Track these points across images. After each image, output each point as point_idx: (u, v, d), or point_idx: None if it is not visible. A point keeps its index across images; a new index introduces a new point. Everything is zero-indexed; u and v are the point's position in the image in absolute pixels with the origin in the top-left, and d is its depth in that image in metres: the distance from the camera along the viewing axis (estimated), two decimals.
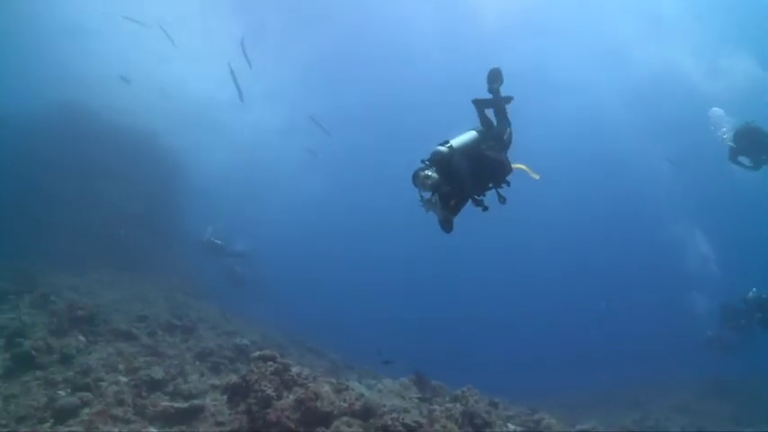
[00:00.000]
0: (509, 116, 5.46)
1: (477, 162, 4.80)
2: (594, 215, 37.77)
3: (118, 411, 5.70)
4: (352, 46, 25.38)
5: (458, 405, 6.04)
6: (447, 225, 4.77)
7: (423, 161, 4.77)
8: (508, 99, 5.48)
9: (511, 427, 6.00)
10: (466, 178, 4.62)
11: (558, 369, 22.52)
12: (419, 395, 6.61)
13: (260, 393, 5.73)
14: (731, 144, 9.56)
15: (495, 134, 5.25)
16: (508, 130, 5.31)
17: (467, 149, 4.88)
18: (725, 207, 29.56)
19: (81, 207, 17.03)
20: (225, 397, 6.32)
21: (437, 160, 4.70)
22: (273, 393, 5.77)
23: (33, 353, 6.64)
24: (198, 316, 13.20)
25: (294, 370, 6.46)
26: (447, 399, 6.47)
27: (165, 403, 6.10)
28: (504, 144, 5.24)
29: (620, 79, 26.95)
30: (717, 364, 14.78)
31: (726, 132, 10.08)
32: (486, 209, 4.88)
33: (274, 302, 19.26)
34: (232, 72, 21.29)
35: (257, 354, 6.77)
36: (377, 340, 15.48)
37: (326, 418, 5.48)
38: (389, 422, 5.34)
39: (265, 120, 30.43)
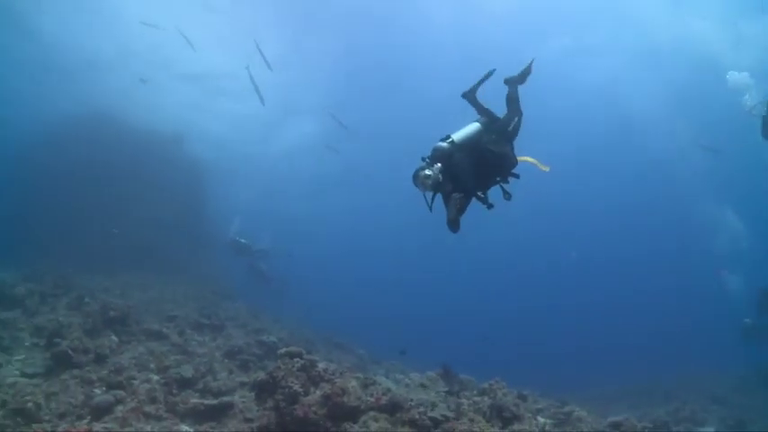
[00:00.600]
0: (521, 105, 5.17)
1: (478, 157, 4.60)
2: (621, 202, 36.88)
3: (150, 408, 5.86)
4: (377, 55, 25.26)
5: (485, 398, 5.98)
6: (455, 225, 4.52)
7: (423, 159, 4.62)
8: (490, 73, 5.14)
9: (540, 419, 5.93)
10: (467, 174, 4.44)
11: (588, 361, 22.14)
12: (446, 389, 6.58)
13: (287, 389, 5.78)
14: (764, 115, 8.22)
15: (500, 125, 4.97)
16: (516, 119, 5.02)
17: (468, 144, 4.67)
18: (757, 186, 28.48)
19: (113, 212, 17.53)
20: (253, 394, 6.41)
21: (437, 157, 4.55)
22: (300, 389, 5.82)
23: (70, 352, 6.87)
24: (226, 315, 13.42)
25: (321, 366, 6.50)
26: (474, 392, 6.42)
27: (195, 400, 6.23)
28: (509, 135, 4.96)
29: (640, 51, 25.94)
30: (756, 354, 14.23)
31: (749, 100, 8.72)
32: (490, 206, 4.66)
33: (302, 300, 19.46)
34: (251, 77, 21.46)
35: (284, 350, 6.83)
36: (404, 335, 15.51)
37: (353, 413, 5.49)
38: (416, 416, 5.33)
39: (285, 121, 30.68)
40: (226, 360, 9.09)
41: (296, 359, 6.52)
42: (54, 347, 6.99)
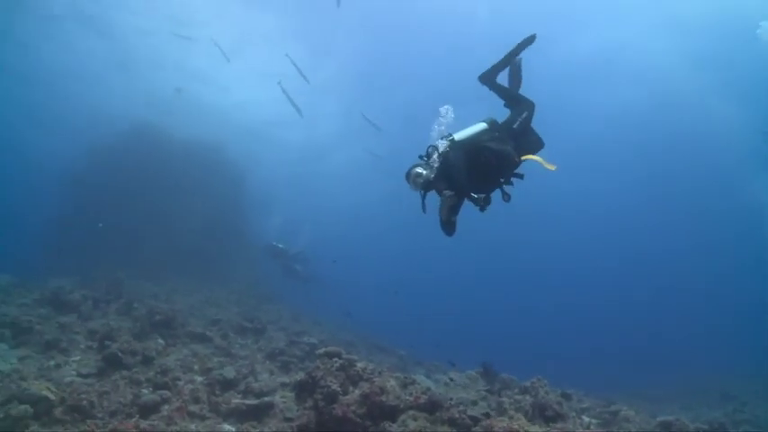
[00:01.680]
0: (528, 97, 4.90)
1: (475, 156, 4.37)
2: (667, 194, 35.42)
3: (194, 408, 6.02)
4: (407, 47, 25.27)
5: (527, 397, 5.83)
6: (448, 227, 4.31)
7: (420, 156, 4.48)
8: (527, 42, 4.85)
9: (585, 419, 5.72)
10: (461, 174, 4.22)
11: (637, 359, 21.28)
12: (487, 387, 6.46)
13: (326, 389, 5.81)
14: None
15: (504, 123, 4.76)
16: (524, 115, 4.75)
17: (468, 143, 4.48)
18: None
19: (160, 220, 18.24)
20: (293, 394, 6.49)
21: (432, 155, 4.38)
22: (339, 389, 5.83)
23: (120, 354, 7.17)
24: (268, 318, 13.69)
25: (359, 365, 6.50)
26: (516, 391, 6.27)
27: (236, 401, 6.35)
28: (515, 133, 4.69)
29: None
30: None
31: None
32: (483, 209, 4.41)
33: (342, 302, 19.60)
34: (284, 91, 21.88)
35: (322, 350, 6.88)
36: (445, 335, 15.38)
37: (392, 412, 5.46)
38: (456, 415, 5.25)
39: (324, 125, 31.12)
40: (267, 361, 9.25)
41: (335, 359, 6.55)
42: (105, 350, 7.33)
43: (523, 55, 5.00)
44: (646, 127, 29.77)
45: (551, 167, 4.52)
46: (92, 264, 14.06)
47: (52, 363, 7.17)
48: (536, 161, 4.57)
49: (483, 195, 4.43)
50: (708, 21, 22.32)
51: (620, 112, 28.86)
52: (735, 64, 24.25)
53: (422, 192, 4.38)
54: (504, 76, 5.06)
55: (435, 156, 4.36)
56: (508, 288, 39.27)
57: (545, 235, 40.39)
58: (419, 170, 4.34)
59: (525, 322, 31.66)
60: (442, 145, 4.41)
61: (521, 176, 4.64)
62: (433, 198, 4.40)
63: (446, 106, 4.71)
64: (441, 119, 4.67)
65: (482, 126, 4.68)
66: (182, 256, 17.80)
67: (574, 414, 5.72)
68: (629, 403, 7.75)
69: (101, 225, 15.76)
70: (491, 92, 5.03)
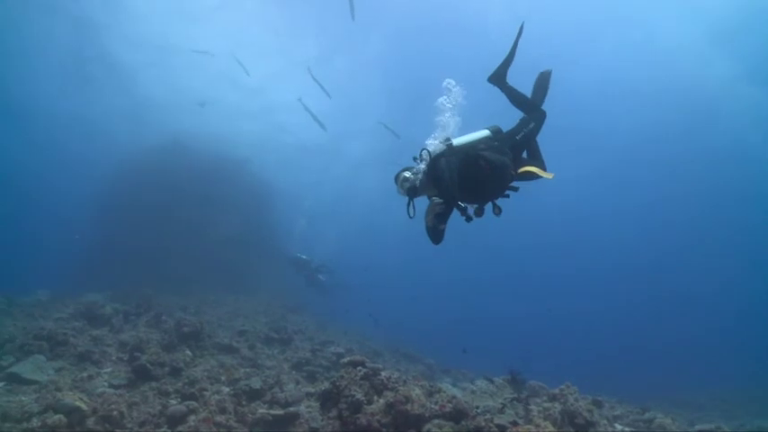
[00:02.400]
0: (539, 104, 4.60)
1: (469, 165, 4.07)
2: (693, 194, 34.37)
3: (221, 419, 6.06)
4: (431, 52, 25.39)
5: (556, 404, 5.67)
6: (434, 234, 4.14)
7: (415, 158, 4.26)
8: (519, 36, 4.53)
9: (618, 427, 5.51)
10: (450, 182, 3.93)
11: (674, 365, 20.50)
12: (514, 395, 6.30)
13: (350, 398, 5.78)
14: None
15: (508, 133, 4.48)
16: (531, 126, 4.48)
17: (464, 149, 4.21)
18: None
19: (190, 235, 18.65)
20: (318, 404, 6.48)
21: (423, 159, 4.14)
22: (363, 398, 5.80)
23: (148, 366, 7.30)
24: (294, 328, 13.74)
25: (384, 374, 6.45)
26: (545, 398, 6.10)
27: (262, 411, 6.37)
28: (517, 144, 4.41)
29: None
30: None
31: None
32: (470, 219, 4.09)
33: (370, 310, 19.59)
34: (306, 108, 22.22)
35: (346, 360, 6.87)
36: (472, 341, 15.15)
37: (417, 421, 5.39)
38: (482, 423, 5.15)
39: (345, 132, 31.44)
40: (293, 372, 9.27)
41: (359, 368, 6.52)
42: (135, 361, 7.48)
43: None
44: (657, 128, 29.16)
45: (549, 176, 4.30)
46: (124, 278, 14.44)
47: (85, 374, 7.35)
48: (532, 172, 4.31)
49: (475, 206, 4.17)
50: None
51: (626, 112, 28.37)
52: None
53: (408, 197, 4.15)
54: (529, 89, 4.82)
55: (425, 160, 4.14)
56: (533, 292, 38.66)
57: (567, 238, 39.79)
58: (407, 174, 4.16)
59: (553, 327, 30.97)
60: (436, 147, 4.19)
61: (515, 189, 4.36)
62: (422, 202, 4.25)
63: (449, 80, 4.41)
64: (448, 94, 4.38)
65: (484, 133, 4.42)
66: (210, 269, 18.14)
67: (605, 422, 5.52)
68: (664, 410, 7.43)
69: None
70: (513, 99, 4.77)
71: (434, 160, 4.09)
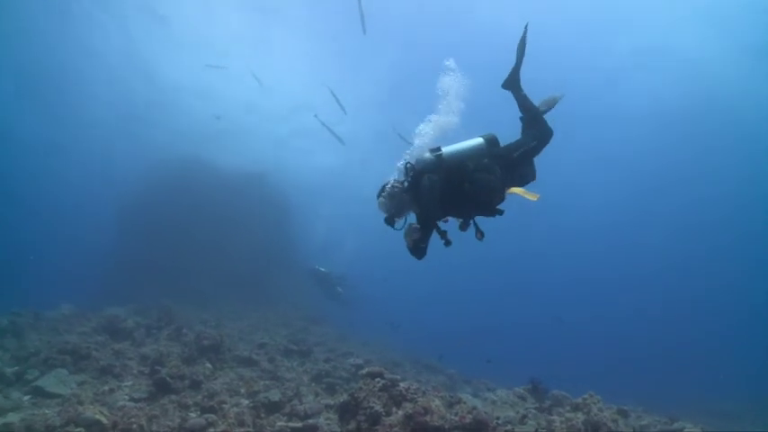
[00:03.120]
0: (545, 122, 4.15)
1: (454, 186, 3.74)
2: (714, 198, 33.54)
3: (240, 431, 6.02)
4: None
5: (579, 414, 5.48)
6: (418, 252, 3.88)
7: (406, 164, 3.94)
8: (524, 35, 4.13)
9: None
10: (431, 206, 3.67)
11: (706, 372, 19.76)
12: (536, 405, 6.13)
13: (368, 410, 5.69)
14: None
15: (505, 148, 4.02)
16: (533, 144, 4.07)
17: (452, 165, 3.82)
18: None
19: (210, 249, 18.88)
20: (337, 416, 6.40)
21: (407, 172, 3.85)
22: (382, 409, 5.70)
23: (168, 379, 7.33)
24: (314, 340, 13.72)
25: (402, 385, 6.35)
26: (567, 408, 5.91)
27: (281, 423, 6.32)
28: (510, 163, 3.97)
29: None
30: None
31: None
32: (448, 243, 3.82)
33: (390, 319, 19.46)
34: (323, 123, 22.38)
35: (365, 371, 6.78)
36: (493, 351, 14.90)
37: None
38: None
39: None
40: (313, 383, 9.21)
41: (377, 379, 6.43)
42: (155, 375, 7.51)
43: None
44: (675, 131, 28.65)
45: (533, 197, 3.94)
46: (146, 293, 14.64)
47: (107, 387, 7.42)
48: (517, 194, 3.96)
49: (460, 221, 3.93)
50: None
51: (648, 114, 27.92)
52: None
53: (387, 218, 3.92)
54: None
55: (409, 175, 3.83)
56: (553, 300, 38.04)
57: (586, 245, 39.24)
58: (382, 199, 3.87)
59: (575, 335, 30.32)
60: (422, 158, 3.85)
61: (501, 212, 3.93)
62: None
63: (450, 60, 4.07)
64: (447, 72, 4.03)
65: (478, 142, 3.98)
66: (231, 283, 18.30)
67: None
68: (694, 420, 7.12)
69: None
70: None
71: (417, 176, 3.79)
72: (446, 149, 3.91)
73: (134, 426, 5.86)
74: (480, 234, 3.91)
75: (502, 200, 3.92)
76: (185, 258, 18.09)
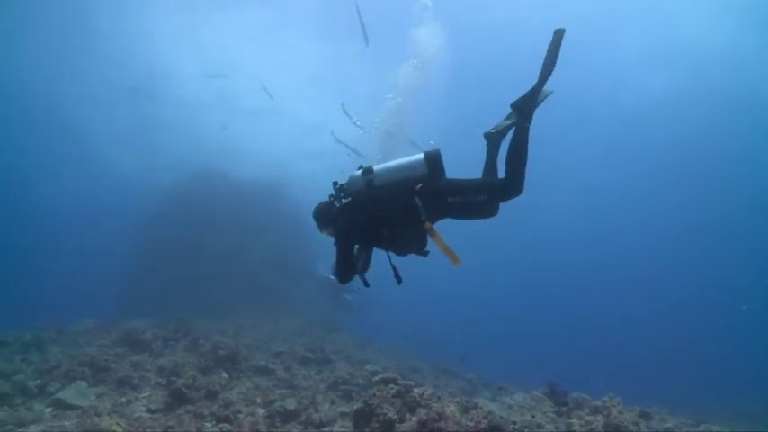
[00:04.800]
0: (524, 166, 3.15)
1: (370, 231, 3.31)
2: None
3: None
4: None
5: (599, 417, 5.32)
6: (345, 273, 3.47)
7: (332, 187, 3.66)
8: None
9: None
10: (342, 259, 3.35)
11: (735, 373, 19.15)
12: (555, 408, 5.97)
13: (382, 416, 5.62)
14: None
15: (445, 188, 3.25)
16: (478, 199, 3.20)
17: (387, 189, 3.28)
18: None
19: (228, 259, 19.04)
20: (352, 423, 6.33)
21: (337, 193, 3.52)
22: (395, 416, 5.62)
23: (184, 389, 7.36)
24: (332, 348, 13.65)
25: (416, 390, 6.26)
26: (587, 411, 5.74)
27: None
28: (442, 192, 3.25)
29: None
30: None
31: None
32: (367, 285, 3.52)
33: (404, 327, 19.32)
34: (338, 140, 22.49)
35: (378, 377, 6.72)
36: (512, 354, 14.70)
37: None
38: None
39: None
40: (329, 391, 9.15)
41: (390, 385, 6.36)
42: (171, 385, 7.56)
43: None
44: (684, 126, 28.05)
45: (456, 263, 3.25)
46: (166, 305, 14.80)
47: (124, 399, 7.49)
48: (442, 250, 3.28)
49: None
50: None
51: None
52: None
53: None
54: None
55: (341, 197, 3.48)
56: (568, 303, 37.52)
57: (599, 247, 38.65)
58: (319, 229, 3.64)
59: (596, 337, 29.78)
60: (353, 182, 3.42)
61: (425, 254, 3.46)
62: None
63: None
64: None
65: (417, 160, 3.32)
66: (249, 293, 18.37)
67: None
68: (721, 422, 6.83)
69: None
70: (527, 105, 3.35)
71: (339, 212, 3.50)
72: (378, 171, 3.40)
73: None
74: (398, 279, 3.48)
75: (419, 244, 3.43)
76: (202, 269, 18.29)
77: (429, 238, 3.24)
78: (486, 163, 3.49)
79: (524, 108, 3.30)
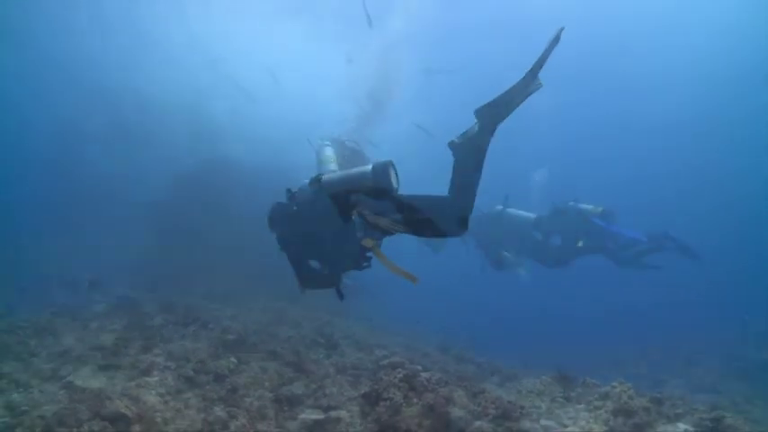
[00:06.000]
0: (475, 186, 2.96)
1: (315, 226, 3.06)
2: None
3: (261, 425, 6.04)
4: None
5: (608, 403, 5.27)
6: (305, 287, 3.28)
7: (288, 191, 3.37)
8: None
9: (681, 426, 5.04)
10: (295, 243, 2.99)
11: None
12: (563, 394, 5.93)
13: (388, 401, 5.64)
14: None
15: (393, 200, 3.02)
16: (426, 217, 2.95)
17: (334, 196, 3.03)
18: None
19: (236, 245, 19.12)
20: (358, 407, 6.36)
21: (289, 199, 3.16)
22: (402, 400, 5.64)
23: (193, 374, 7.42)
24: (342, 333, 13.72)
25: (424, 375, 6.27)
26: (596, 396, 5.69)
27: (303, 416, 6.31)
28: (381, 211, 2.99)
29: None
30: None
31: None
32: (342, 297, 3.36)
33: (415, 311, 19.35)
34: (351, 145, 22.38)
35: (386, 362, 6.72)
36: (520, 337, 14.67)
37: (459, 424, 5.17)
38: (528, 425, 4.86)
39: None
40: (338, 375, 9.19)
41: (398, 370, 6.36)
42: (180, 369, 7.62)
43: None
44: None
45: (416, 282, 3.06)
46: (174, 291, 14.94)
47: (134, 383, 7.56)
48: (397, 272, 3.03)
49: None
50: None
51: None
52: None
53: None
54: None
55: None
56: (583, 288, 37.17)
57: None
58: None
59: (608, 321, 29.56)
60: (303, 189, 3.10)
61: (366, 267, 3.12)
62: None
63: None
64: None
65: (363, 172, 3.14)
66: (259, 278, 18.45)
67: (664, 421, 5.06)
68: (737, 409, 6.74)
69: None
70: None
71: (286, 219, 3.16)
72: (325, 181, 3.21)
73: (158, 419, 5.96)
74: (340, 295, 3.39)
75: (354, 256, 3.21)
76: (211, 256, 18.41)
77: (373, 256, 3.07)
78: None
79: (494, 113, 2.96)
